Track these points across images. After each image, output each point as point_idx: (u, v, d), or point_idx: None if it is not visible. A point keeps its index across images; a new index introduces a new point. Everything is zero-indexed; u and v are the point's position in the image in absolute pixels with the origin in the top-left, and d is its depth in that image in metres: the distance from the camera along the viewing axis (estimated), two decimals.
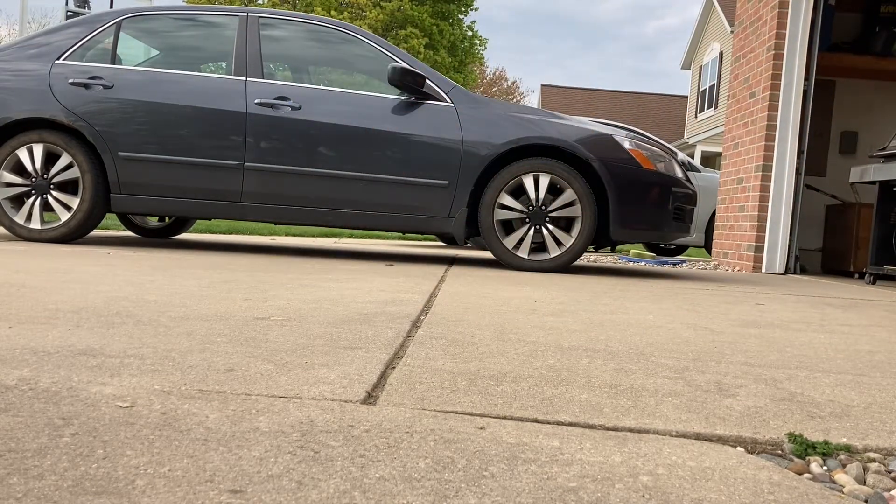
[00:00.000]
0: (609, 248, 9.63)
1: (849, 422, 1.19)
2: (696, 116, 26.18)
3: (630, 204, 4.24)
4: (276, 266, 3.60)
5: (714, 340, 1.98)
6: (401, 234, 10.13)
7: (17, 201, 4.37)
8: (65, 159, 4.31)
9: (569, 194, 4.21)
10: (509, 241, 4.27)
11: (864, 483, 0.96)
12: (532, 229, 4.25)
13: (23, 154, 4.30)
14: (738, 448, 1.05)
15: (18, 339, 1.46)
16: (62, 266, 2.99)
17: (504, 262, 4.30)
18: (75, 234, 4.39)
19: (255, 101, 4.30)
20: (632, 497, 0.82)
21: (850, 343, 2.11)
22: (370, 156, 4.27)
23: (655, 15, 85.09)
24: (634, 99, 35.30)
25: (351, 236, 9.11)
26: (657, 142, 7.14)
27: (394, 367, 1.40)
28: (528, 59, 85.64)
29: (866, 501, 0.90)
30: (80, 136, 4.32)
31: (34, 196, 4.34)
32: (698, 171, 8.60)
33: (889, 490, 0.94)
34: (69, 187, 4.36)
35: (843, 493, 0.92)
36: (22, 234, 4.35)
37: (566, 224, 4.29)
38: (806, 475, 0.97)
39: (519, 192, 4.26)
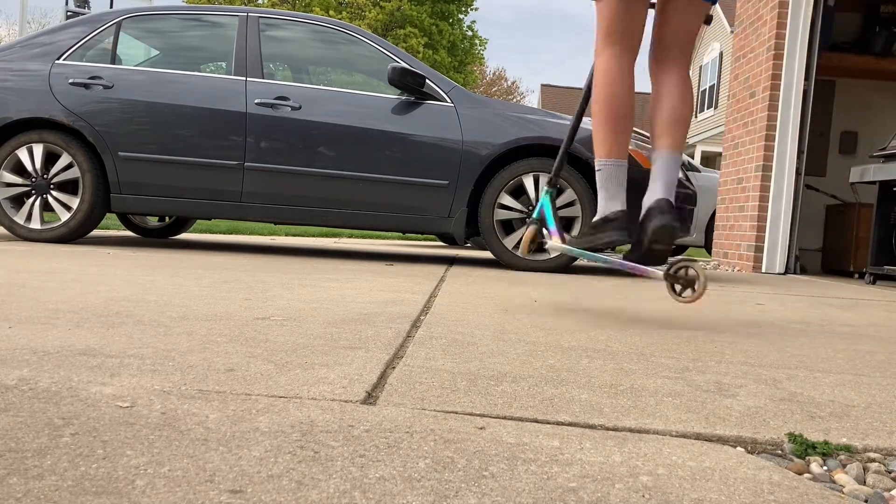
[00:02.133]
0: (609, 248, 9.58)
1: (849, 422, 1.19)
2: (696, 116, 26.19)
3: (629, 204, 4.23)
4: (276, 266, 3.60)
5: (714, 340, 1.98)
6: (401, 234, 10.13)
7: (17, 201, 4.38)
8: (65, 159, 4.31)
9: (569, 194, 4.21)
10: (509, 241, 4.27)
11: (864, 483, 0.96)
12: None
13: (23, 154, 4.31)
14: (738, 448, 1.04)
15: (18, 339, 1.45)
16: (62, 266, 2.99)
17: (504, 262, 4.30)
18: (75, 234, 4.39)
19: (255, 101, 4.30)
20: (632, 497, 0.82)
21: (850, 343, 2.11)
22: (370, 156, 4.27)
23: None
24: (634, 99, 35.28)
25: (351, 236, 9.11)
26: None
27: (394, 367, 1.39)
28: (528, 59, 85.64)
29: (866, 501, 0.90)
30: (80, 136, 4.32)
31: (34, 196, 4.34)
32: (698, 171, 8.60)
33: (889, 490, 0.94)
34: (69, 187, 4.36)
35: (843, 493, 0.92)
36: (22, 234, 4.35)
37: (566, 224, 4.29)
38: (806, 475, 0.97)
39: (519, 192, 4.26)
